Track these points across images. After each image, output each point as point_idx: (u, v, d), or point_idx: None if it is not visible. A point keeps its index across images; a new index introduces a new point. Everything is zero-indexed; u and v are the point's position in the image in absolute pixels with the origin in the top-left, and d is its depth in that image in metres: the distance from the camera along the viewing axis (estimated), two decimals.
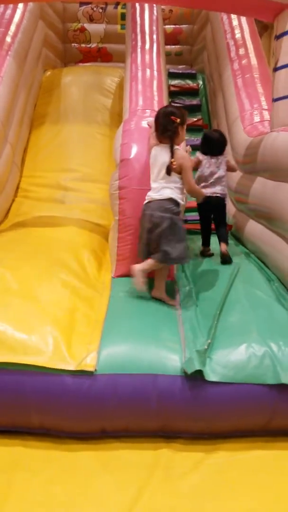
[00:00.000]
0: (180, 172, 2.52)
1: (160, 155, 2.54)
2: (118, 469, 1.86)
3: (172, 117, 2.52)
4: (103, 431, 2.00)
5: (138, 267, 2.48)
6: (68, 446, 1.98)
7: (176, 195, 2.51)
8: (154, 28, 4.85)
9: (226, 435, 2.01)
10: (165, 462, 1.89)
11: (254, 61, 4.61)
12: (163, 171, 2.51)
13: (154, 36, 4.74)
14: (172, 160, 2.49)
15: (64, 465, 1.88)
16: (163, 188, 2.51)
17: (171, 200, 2.50)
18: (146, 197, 2.58)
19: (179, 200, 2.52)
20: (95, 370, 1.91)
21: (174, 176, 2.51)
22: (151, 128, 2.77)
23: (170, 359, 1.96)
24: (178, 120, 2.51)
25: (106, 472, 1.85)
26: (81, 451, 1.96)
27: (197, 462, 1.89)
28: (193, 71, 6.27)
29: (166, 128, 2.53)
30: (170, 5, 5.80)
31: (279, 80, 2.91)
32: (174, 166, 2.48)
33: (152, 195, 2.53)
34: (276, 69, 2.96)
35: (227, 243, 3.17)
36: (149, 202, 2.54)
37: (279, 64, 2.90)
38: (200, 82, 6.06)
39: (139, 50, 4.54)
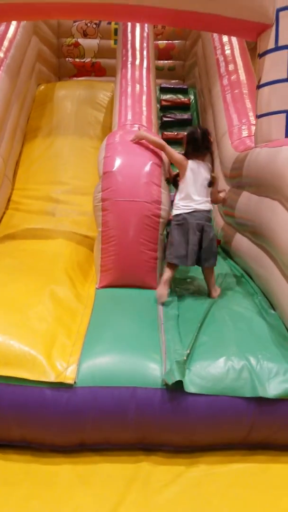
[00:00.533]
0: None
1: (199, 170, 2.81)
2: (97, 483, 1.87)
3: (210, 137, 2.87)
4: (83, 444, 2.00)
5: (213, 284, 2.80)
6: (48, 460, 1.98)
7: (211, 206, 2.88)
8: (145, 44, 4.95)
9: (206, 448, 2.02)
10: (144, 475, 1.90)
11: (243, 76, 4.70)
12: (205, 184, 2.80)
13: (145, 52, 4.83)
14: (213, 174, 2.87)
15: (44, 479, 1.89)
16: (205, 202, 2.80)
17: (210, 211, 2.86)
18: (185, 207, 2.77)
19: None
20: (75, 382, 1.93)
21: (209, 189, 2.84)
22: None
23: (150, 371, 1.98)
24: (212, 139, 2.91)
25: (84, 486, 1.85)
26: (61, 464, 1.96)
27: (176, 476, 1.90)
28: (185, 86, 6.37)
29: (205, 146, 2.84)
30: (156, 24, 5.90)
31: (262, 97, 2.98)
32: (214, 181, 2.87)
33: (195, 206, 2.76)
34: (259, 87, 3.03)
35: None
36: (193, 211, 2.75)
37: (262, 82, 2.98)
38: (192, 97, 6.15)
39: (129, 65, 4.63)
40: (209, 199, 2.83)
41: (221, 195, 3.12)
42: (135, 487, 1.83)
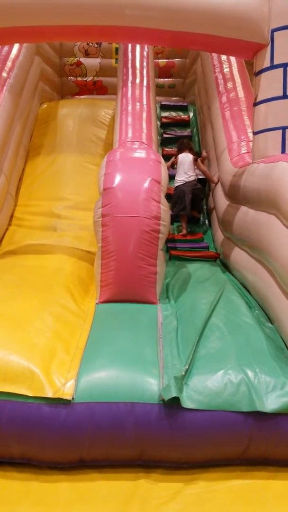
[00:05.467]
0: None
1: (185, 158, 4.81)
2: (96, 500, 1.85)
3: (191, 142, 5.22)
4: (82, 461, 1.99)
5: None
6: (47, 477, 1.97)
7: (196, 177, 4.84)
8: (145, 63, 5.05)
9: (205, 465, 2.01)
10: (142, 493, 1.88)
11: (241, 94, 4.78)
12: (192, 165, 4.78)
13: (145, 71, 4.94)
14: (195, 157, 4.85)
15: (43, 497, 1.88)
16: (190, 176, 4.76)
17: (196, 180, 4.86)
18: (179, 181, 4.78)
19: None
20: (73, 398, 1.93)
21: (194, 168, 4.81)
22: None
23: (148, 386, 1.98)
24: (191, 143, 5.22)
25: (83, 504, 1.84)
26: (60, 482, 1.95)
27: (175, 493, 1.88)
28: (185, 104, 6.47)
29: (189, 144, 5.01)
30: (155, 45, 6.01)
31: (259, 115, 3.04)
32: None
33: (185, 179, 4.75)
34: (256, 104, 3.09)
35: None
36: (186, 183, 4.74)
37: (258, 100, 3.04)
38: (191, 114, 6.24)
39: (129, 84, 4.72)
40: (194, 172, 4.80)
41: (203, 155, 5.11)
42: (134, 505, 1.82)
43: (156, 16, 2.90)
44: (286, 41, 2.85)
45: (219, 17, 2.85)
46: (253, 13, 2.84)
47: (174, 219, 4.82)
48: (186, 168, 4.75)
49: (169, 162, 4.91)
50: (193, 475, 1.98)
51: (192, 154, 4.87)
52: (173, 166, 4.91)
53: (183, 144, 4.95)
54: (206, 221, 5.05)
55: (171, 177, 4.88)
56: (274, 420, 1.92)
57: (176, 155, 4.93)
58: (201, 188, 4.98)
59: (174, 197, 4.72)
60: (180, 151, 4.92)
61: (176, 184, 4.78)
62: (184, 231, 4.76)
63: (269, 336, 2.37)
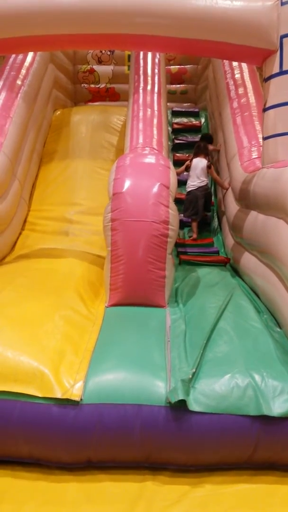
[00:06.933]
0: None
1: (199, 163, 4.84)
2: (102, 501, 1.88)
3: (208, 145, 5.14)
4: (89, 462, 2.02)
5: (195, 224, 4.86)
6: (55, 477, 2.00)
7: (208, 182, 4.91)
8: (156, 70, 5.11)
9: (211, 468, 2.01)
10: (149, 495, 1.89)
11: (252, 99, 4.79)
12: (205, 171, 4.82)
13: (156, 78, 4.99)
14: (208, 163, 4.89)
15: (50, 497, 1.90)
16: (203, 181, 4.81)
17: (207, 185, 4.93)
18: (192, 186, 4.82)
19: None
20: (81, 399, 1.95)
21: (207, 173, 4.85)
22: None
23: (155, 388, 1.99)
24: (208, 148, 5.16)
25: (90, 504, 1.86)
26: (68, 482, 1.98)
27: (181, 495, 1.89)
28: (196, 109, 6.51)
29: (205, 149, 4.98)
30: (165, 52, 6.04)
31: (268, 120, 3.05)
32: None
33: (197, 184, 4.80)
34: (265, 110, 3.10)
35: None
36: (198, 187, 4.80)
37: (267, 105, 3.05)
38: (203, 120, 6.27)
39: (141, 91, 4.78)
40: (206, 178, 4.85)
41: (217, 147, 5.29)
42: (140, 506, 1.83)
43: (166, 24, 2.94)
44: None
45: (228, 24, 2.88)
46: (262, 20, 2.86)
47: (184, 223, 4.84)
48: (198, 173, 4.81)
49: (184, 166, 5.00)
50: (199, 478, 1.98)
51: (207, 159, 4.92)
52: (187, 169, 4.98)
53: (200, 148, 4.99)
54: (217, 226, 5.06)
55: (182, 183, 4.92)
56: (281, 424, 1.92)
57: (191, 159, 5.00)
58: (211, 193, 5.14)
59: (186, 201, 4.80)
60: (195, 155, 4.96)
61: (189, 189, 4.85)
62: (195, 235, 4.80)
63: (277, 341, 2.37)
